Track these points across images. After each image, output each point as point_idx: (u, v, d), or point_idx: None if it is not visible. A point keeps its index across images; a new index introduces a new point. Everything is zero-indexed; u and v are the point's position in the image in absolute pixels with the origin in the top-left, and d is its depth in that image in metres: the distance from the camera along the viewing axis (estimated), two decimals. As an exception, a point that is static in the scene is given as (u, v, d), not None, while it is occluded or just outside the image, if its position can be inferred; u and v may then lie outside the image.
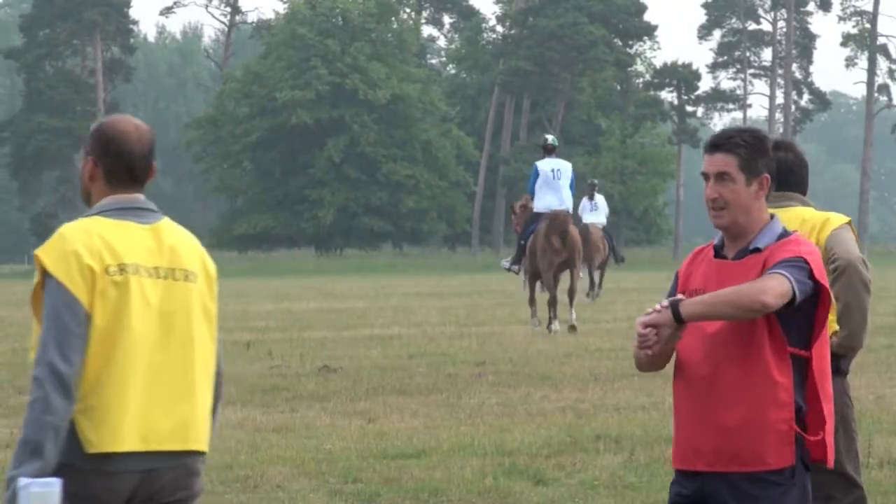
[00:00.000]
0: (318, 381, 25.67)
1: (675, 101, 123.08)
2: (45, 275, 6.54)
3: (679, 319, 7.07)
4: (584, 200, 52.41)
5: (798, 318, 7.21)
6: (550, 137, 41.37)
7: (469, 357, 29.18)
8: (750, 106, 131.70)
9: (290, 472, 14.62)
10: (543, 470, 16.00)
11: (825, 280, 7.23)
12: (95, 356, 6.50)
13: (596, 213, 52.15)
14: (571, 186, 38.25)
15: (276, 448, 16.33)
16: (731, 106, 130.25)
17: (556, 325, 36.79)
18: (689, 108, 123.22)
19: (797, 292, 7.09)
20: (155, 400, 6.63)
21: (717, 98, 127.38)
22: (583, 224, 48.42)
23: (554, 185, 38.09)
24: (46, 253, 6.56)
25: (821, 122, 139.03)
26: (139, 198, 6.83)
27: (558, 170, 38.15)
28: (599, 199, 52.85)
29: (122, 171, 6.80)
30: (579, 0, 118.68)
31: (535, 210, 38.20)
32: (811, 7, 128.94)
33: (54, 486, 6.37)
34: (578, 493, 14.77)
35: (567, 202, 38.12)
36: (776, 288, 7.20)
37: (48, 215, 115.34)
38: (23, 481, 6.30)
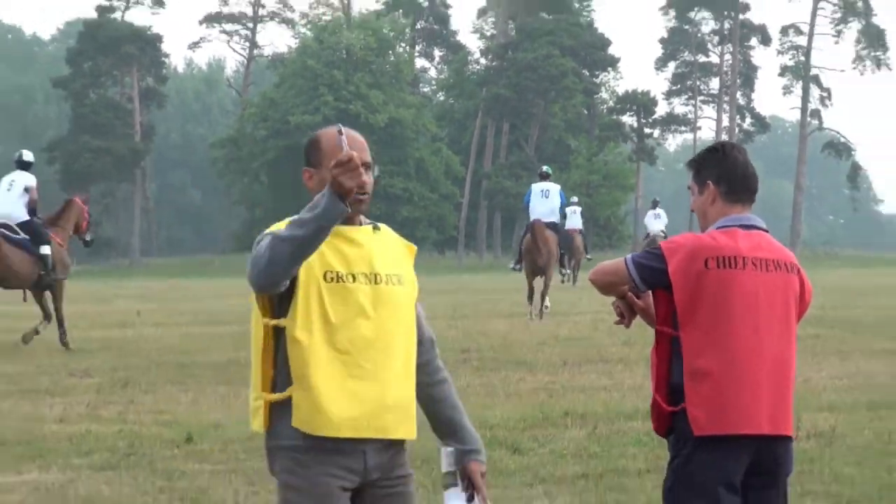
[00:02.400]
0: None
1: (635, 124, 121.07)
2: None
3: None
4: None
5: (663, 301, 7.23)
6: (546, 168, 42.85)
7: (456, 345, 29.07)
8: (699, 128, 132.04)
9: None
10: (520, 441, 16.16)
11: (681, 271, 7.06)
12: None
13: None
14: (562, 202, 40.03)
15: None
16: (683, 128, 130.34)
17: (533, 317, 37.70)
18: (647, 131, 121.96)
19: (634, 277, 7.20)
20: None
21: (672, 122, 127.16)
22: (565, 231, 48.26)
23: (542, 202, 39.61)
24: None
25: (761, 142, 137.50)
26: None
27: (547, 190, 39.85)
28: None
29: None
30: (552, 36, 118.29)
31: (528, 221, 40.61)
32: (753, 42, 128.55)
33: None
34: (549, 460, 14.88)
35: (552, 216, 39.53)
36: (602, 267, 7.49)
37: (93, 223, 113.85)
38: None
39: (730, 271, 7.18)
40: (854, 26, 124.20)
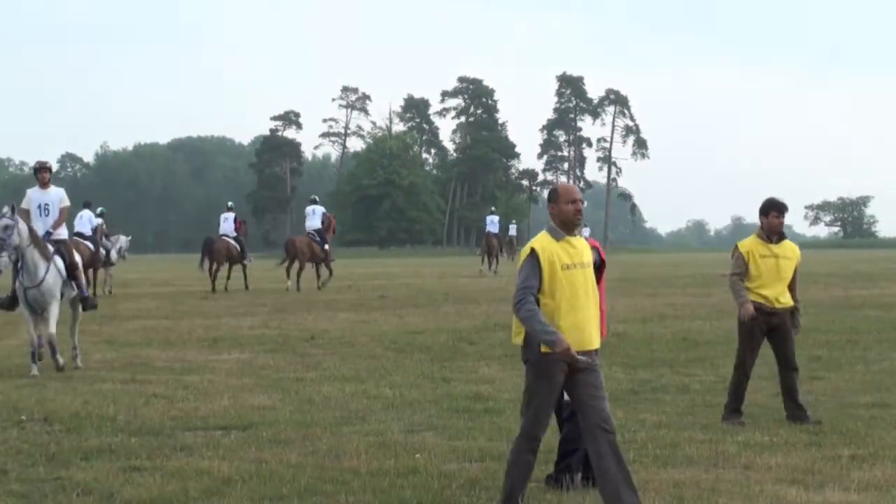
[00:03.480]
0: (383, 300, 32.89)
1: (527, 183, 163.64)
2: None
3: None
4: (490, 216, 54.74)
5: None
6: (493, 209, 54.43)
7: (440, 290, 37.30)
8: None
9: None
10: (474, 337, 21.06)
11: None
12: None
13: (494, 225, 53.76)
14: (500, 223, 48.82)
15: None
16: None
17: (487, 272, 46.26)
18: (534, 188, 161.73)
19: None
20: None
21: (545, 183, 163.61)
22: (508, 237, 57.22)
23: (490, 224, 50.03)
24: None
25: (588, 193, 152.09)
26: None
27: (492, 218, 51.03)
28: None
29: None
30: (489, 142, 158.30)
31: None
32: (584, 145, 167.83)
33: None
34: (489, 351, 19.18)
35: (494, 229, 49.89)
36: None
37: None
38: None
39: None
40: (631, 138, 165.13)
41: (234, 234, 41.12)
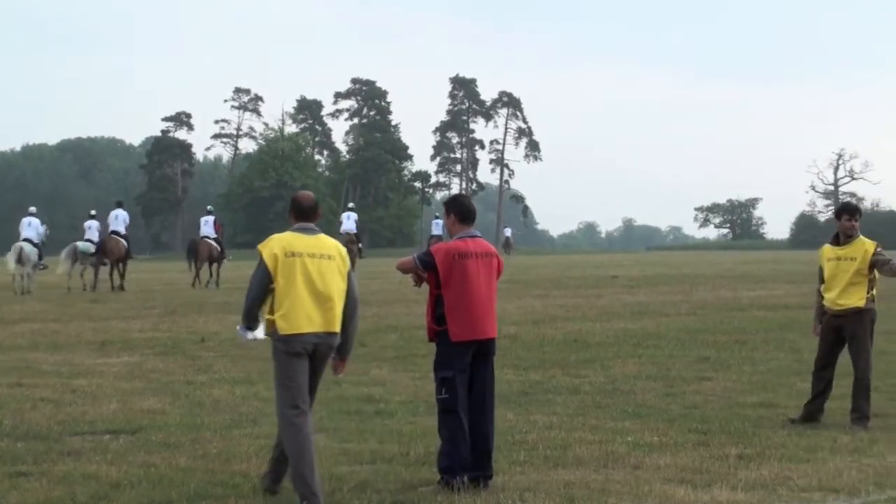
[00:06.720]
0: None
1: (420, 186, 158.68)
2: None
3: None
4: (344, 214, 52.16)
5: (432, 276, 9.93)
6: (352, 205, 53.68)
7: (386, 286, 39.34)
8: (451, 189, 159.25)
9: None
10: (366, 339, 20.19)
11: (438, 262, 9.88)
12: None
13: (350, 221, 50.82)
14: (357, 222, 48.87)
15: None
16: (443, 189, 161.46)
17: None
18: (426, 190, 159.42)
19: (419, 263, 9.89)
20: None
21: (437, 185, 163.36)
22: (355, 233, 51.75)
23: (347, 220, 49.91)
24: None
25: (480, 196, 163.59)
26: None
27: (350, 215, 50.49)
28: (353, 214, 50.26)
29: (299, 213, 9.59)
30: (382, 143, 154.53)
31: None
32: (477, 147, 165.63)
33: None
34: (381, 353, 19.60)
35: (352, 229, 49.05)
36: (402, 260, 10.21)
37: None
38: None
39: (465, 259, 9.93)
40: (524, 140, 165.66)
41: (215, 235, 45.04)
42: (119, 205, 45.32)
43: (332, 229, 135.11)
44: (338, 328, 9.45)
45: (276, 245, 9.32)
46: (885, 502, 9.63)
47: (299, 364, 9.30)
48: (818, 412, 13.19)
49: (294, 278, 9.23)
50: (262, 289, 9.31)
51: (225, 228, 46.27)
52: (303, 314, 9.24)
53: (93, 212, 46.11)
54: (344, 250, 9.71)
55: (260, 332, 9.86)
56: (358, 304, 9.71)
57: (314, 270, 9.32)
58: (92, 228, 43.85)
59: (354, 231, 48.97)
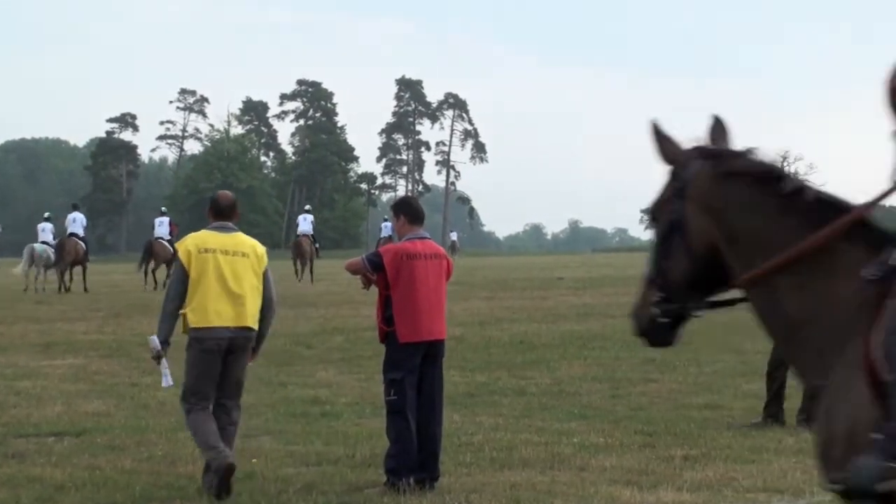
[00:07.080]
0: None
1: (366, 187, 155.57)
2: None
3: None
4: (301, 215, 51.57)
5: (381, 277, 10.07)
6: (308, 206, 53.57)
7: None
8: (397, 190, 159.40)
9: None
10: (311, 341, 22.33)
11: (387, 263, 9.95)
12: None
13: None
14: (313, 223, 48.42)
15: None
16: (389, 191, 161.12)
17: (301, 281, 45.02)
18: (373, 192, 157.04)
19: (367, 264, 9.96)
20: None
21: (384, 187, 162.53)
22: (311, 235, 51.46)
23: (304, 221, 49.75)
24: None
25: (426, 197, 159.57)
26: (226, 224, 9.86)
27: (306, 217, 49.90)
28: (309, 216, 49.69)
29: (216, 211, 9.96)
30: (328, 145, 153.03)
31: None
32: (423, 149, 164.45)
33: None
34: (327, 355, 19.51)
35: (308, 231, 49.10)
36: (351, 261, 10.42)
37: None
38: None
39: (414, 261, 9.99)
40: (470, 142, 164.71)
41: (169, 236, 44.48)
42: (75, 207, 45.86)
43: (277, 230, 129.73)
44: (251, 323, 9.73)
45: (191, 242, 9.78)
46: (829, 503, 9.62)
47: (211, 358, 9.67)
48: (779, 412, 13.25)
49: (206, 274, 9.60)
50: (180, 283, 9.68)
51: (177, 231, 45.76)
52: (212, 308, 9.60)
53: (47, 214, 46.14)
54: (261, 250, 10.05)
55: (169, 378, 10.29)
56: (273, 302, 9.97)
57: (226, 267, 9.68)
58: (46, 231, 43.96)
59: (311, 233, 48.89)
